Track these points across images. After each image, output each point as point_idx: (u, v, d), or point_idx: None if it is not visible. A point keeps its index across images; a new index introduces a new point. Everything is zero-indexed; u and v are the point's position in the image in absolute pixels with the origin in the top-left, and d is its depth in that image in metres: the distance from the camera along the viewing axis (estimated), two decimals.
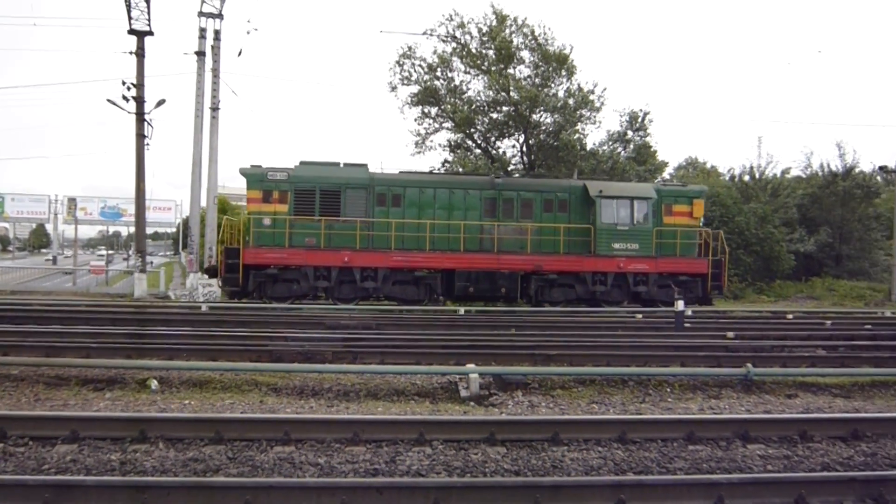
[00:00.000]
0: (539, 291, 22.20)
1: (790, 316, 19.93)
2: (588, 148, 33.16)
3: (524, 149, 34.04)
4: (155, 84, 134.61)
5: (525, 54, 32.82)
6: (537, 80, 32.79)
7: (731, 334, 14.35)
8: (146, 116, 25.73)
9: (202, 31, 24.38)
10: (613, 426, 6.74)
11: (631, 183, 27.32)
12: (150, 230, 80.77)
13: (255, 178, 21.27)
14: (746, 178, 45.16)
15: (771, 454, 6.32)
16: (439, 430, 6.47)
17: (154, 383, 8.83)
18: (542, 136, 32.77)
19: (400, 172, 23.50)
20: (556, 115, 31.95)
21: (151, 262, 54.68)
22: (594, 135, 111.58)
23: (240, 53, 28.07)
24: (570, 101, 32.05)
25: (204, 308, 18.66)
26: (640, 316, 18.88)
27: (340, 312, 18.01)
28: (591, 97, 32.62)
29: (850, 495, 4.96)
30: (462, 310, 18.85)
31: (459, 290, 21.77)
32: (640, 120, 33.79)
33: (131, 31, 25.64)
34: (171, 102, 26.09)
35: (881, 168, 38.35)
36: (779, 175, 45.56)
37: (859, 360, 11.27)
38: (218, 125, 24.53)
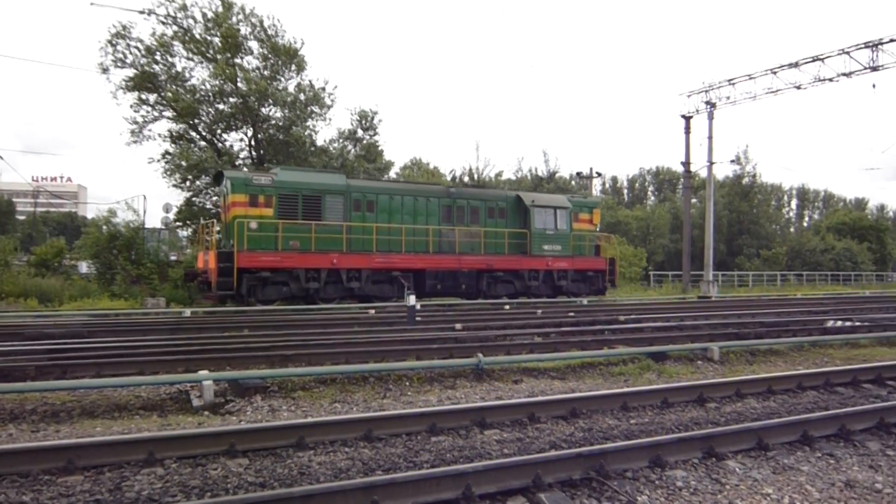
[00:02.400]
0: (488, 287, 25.14)
1: (507, 307, 21.68)
2: (318, 144, 33.06)
3: (253, 143, 32.92)
4: None
5: (253, 45, 31.80)
6: (266, 73, 31.93)
7: (458, 326, 15.18)
8: None
9: None
10: (358, 425, 6.62)
11: (554, 195, 31.84)
12: None
13: (241, 182, 21.53)
14: (466, 178, 48.43)
15: (506, 438, 6.68)
16: (171, 447, 5.81)
17: None
18: (271, 131, 31.96)
19: (372, 180, 26.07)
20: (285, 110, 31.37)
21: None
22: (325, 132, 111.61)
23: None
24: (301, 97, 31.69)
25: None
26: (373, 311, 19.23)
27: (43, 321, 15.85)
28: (322, 94, 32.58)
29: (578, 470, 5.38)
30: (188, 311, 17.66)
31: (430, 288, 23.94)
32: (369, 119, 34.44)
33: None
34: None
35: (577, 174, 43.67)
36: (493, 177, 49.74)
37: (568, 344, 12.52)
38: None
